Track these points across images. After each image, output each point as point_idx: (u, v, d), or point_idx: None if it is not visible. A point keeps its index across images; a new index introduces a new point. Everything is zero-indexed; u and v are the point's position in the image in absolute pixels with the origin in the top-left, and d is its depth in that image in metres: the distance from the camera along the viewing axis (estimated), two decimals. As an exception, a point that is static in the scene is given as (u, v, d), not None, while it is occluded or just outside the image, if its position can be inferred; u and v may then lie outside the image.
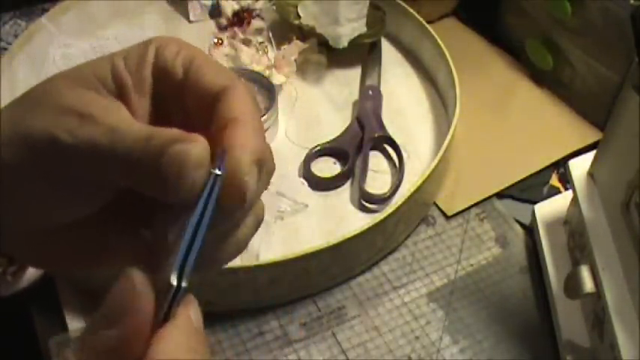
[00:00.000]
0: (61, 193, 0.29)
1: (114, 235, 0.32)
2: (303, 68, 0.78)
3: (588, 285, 0.52)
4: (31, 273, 0.58)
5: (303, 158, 0.70)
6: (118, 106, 0.29)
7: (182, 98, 0.30)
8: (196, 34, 0.82)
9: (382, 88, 0.76)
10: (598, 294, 0.52)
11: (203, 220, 0.27)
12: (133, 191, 0.29)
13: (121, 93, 0.30)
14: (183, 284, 0.26)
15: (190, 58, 0.30)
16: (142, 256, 0.31)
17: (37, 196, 0.29)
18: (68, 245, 0.31)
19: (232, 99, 0.30)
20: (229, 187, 0.28)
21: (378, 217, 0.60)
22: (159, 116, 0.30)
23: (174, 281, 0.26)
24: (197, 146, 0.27)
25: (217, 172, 0.28)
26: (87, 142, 0.27)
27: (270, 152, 0.31)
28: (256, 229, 0.32)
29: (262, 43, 0.78)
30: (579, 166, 0.60)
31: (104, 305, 0.25)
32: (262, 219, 0.33)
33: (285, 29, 0.80)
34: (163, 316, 0.25)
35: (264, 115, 0.69)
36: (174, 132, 0.28)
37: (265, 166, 0.30)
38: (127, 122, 0.28)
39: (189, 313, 0.27)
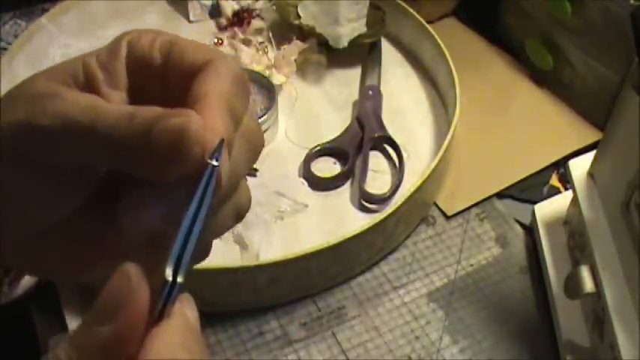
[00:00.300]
0: (46, 186, 0.28)
1: (106, 232, 0.31)
2: (303, 68, 0.78)
3: (588, 285, 0.52)
4: (27, 280, 0.58)
5: (303, 158, 0.70)
6: (91, 95, 0.29)
7: (165, 87, 0.30)
8: (196, 34, 0.82)
9: (382, 88, 0.76)
10: (598, 294, 0.52)
11: (200, 212, 0.26)
12: (119, 182, 0.28)
13: (92, 88, 0.29)
14: (179, 280, 0.25)
15: (169, 42, 0.30)
16: (138, 252, 0.30)
17: (24, 192, 0.28)
18: (61, 248, 0.31)
19: (207, 74, 0.29)
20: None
21: (378, 217, 0.60)
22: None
23: (169, 277, 0.25)
24: (197, 120, 0.26)
25: (214, 162, 0.27)
26: (64, 122, 0.27)
27: (257, 127, 0.30)
28: (235, 221, 0.31)
29: (262, 43, 0.78)
30: (579, 166, 0.60)
31: (98, 301, 0.24)
32: (245, 208, 0.31)
33: (285, 29, 0.80)
34: (158, 313, 0.24)
35: (264, 115, 0.69)
36: (157, 109, 0.27)
37: (249, 143, 0.29)
38: (103, 101, 0.28)
39: (185, 311, 0.25)
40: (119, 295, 0.24)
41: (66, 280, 0.59)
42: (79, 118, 0.27)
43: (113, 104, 0.28)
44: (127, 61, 0.30)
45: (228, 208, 0.30)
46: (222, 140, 0.27)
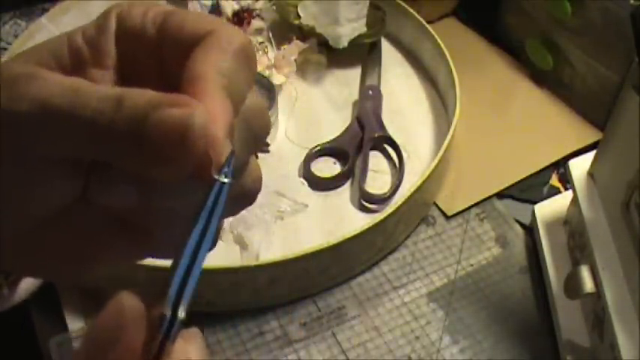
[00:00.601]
0: (34, 178, 0.25)
1: (105, 225, 0.28)
2: (303, 68, 0.78)
3: (588, 285, 0.52)
4: (27, 284, 0.57)
5: (303, 158, 0.70)
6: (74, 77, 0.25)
7: (160, 64, 0.27)
8: (196, 34, 0.82)
9: (382, 88, 0.76)
10: (598, 294, 0.52)
11: (206, 238, 0.23)
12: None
13: (78, 68, 0.26)
14: (181, 315, 0.22)
15: (163, 13, 0.27)
16: (136, 246, 0.28)
17: (11, 185, 0.25)
18: (58, 244, 0.28)
19: (204, 48, 0.25)
20: (203, 171, 0.24)
21: (378, 217, 0.60)
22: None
23: (167, 311, 0.22)
24: (201, 112, 0.23)
25: (224, 179, 0.23)
26: (43, 106, 0.23)
27: (261, 107, 0.27)
28: (243, 205, 0.28)
29: (262, 43, 0.78)
30: (579, 166, 0.60)
31: (89, 334, 0.22)
32: (253, 190, 0.28)
33: (285, 29, 0.80)
34: (158, 350, 0.21)
35: (264, 115, 0.69)
36: (151, 93, 0.23)
37: (252, 125, 0.26)
38: (86, 82, 0.24)
39: (189, 350, 0.23)
40: (111, 330, 0.21)
41: (66, 281, 0.57)
42: (57, 102, 0.23)
43: (99, 86, 0.24)
44: (117, 36, 0.27)
45: (232, 193, 0.27)
46: (233, 152, 0.24)
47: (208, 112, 0.23)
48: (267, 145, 0.69)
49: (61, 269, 0.29)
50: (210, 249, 0.24)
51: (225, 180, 0.23)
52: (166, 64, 0.27)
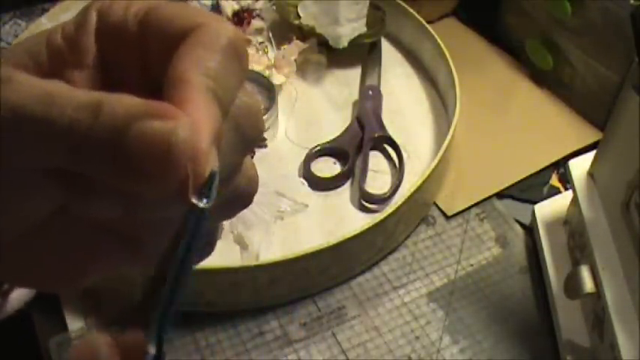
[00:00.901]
0: (13, 188, 0.23)
1: (93, 235, 0.26)
2: (303, 68, 0.78)
3: (588, 285, 0.52)
4: (20, 294, 0.57)
5: (303, 158, 0.70)
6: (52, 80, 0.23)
7: (145, 62, 0.25)
8: (196, 34, 0.82)
9: (382, 88, 0.76)
10: (598, 294, 0.52)
11: (185, 267, 0.21)
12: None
13: (57, 69, 0.25)
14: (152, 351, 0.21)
15: (146, 7, 0.25)
16: (128, 256, 0.27)
17: None
18: (48, 252, 0.26)
19: (189, 45, 0.23)
20: (186, 187, 0.22)
21: (378, 217, 0.60)
22: (113, 91, 0.23)
23: (151, 350, 0.21)
24: (185, 125, 0.21)
25: (201, 203, 0.21)
26: (15, 113, 0.21)
27: (251, 107, 0.25)
28: (238, 208, 0.27)
29: (262, 43, 0.78)
30: (579, 166, 0.60)
31: None
32: (248, 192, 0.27)
33: (285, 29, 0.80)
34: None
35: (264, 115, 0.69)
36: (131, 102, 0.21)
37: (242, 127, 0.24)
38: (63, 87, 0.22)
39: None
40: None
41: (58, 290, 0.55)
42: (31, 109, 0.21)
43: (78, 90, 0.22)
44: (98, 33, 0.25)
45: (223, 198, 0.25)
46: (214, 173, 0.22)
47: (192, 120, 0.21)
48: (264, 140, 0.69)
49: (52, 279, 0.28)
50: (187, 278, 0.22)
51: (202, 205, 0.21)
52: (150, 62, 0.25)
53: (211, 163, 0.22)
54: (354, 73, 0.79)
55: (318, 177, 0.68)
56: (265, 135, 0.70)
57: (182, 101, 0.22)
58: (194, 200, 0.21)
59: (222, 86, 0.23)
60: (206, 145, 0.22)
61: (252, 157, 0.68)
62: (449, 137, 0.66)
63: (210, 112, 0.22)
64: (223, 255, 0.61)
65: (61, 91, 0.22)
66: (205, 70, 0.23)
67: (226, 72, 0.23)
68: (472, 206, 0.68)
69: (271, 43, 0.78)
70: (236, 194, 0.26)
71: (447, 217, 0.68)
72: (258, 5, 0.82)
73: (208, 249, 0.28)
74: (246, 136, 0.25)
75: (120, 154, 0.21)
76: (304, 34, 0.78)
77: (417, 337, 0.59)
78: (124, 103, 0.21)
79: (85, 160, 0.22)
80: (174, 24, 0.24)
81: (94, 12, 0.25)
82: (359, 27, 0.77)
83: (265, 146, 0.69)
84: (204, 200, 0.21)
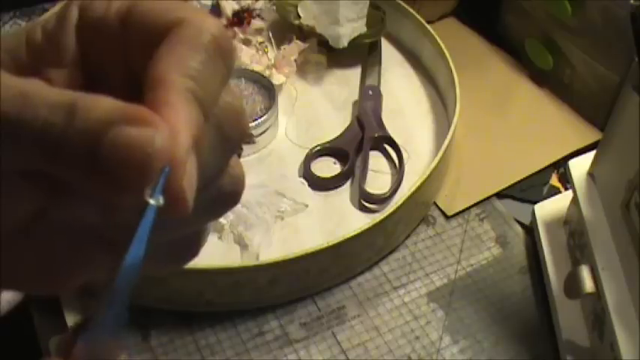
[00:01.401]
0: None
1: (76, 237, 0.25)
2: (303, 68, 0.78)
3: (588, 285, 0.52)
4: (8, 296, 0.57)
5: (303, 158, 0.70)
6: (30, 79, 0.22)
7: (127, 59, 0.24)
8: (196, 34, 0.82)
9: (382, 88, 0.76)
10: (598, 294, 0.52)
11: (135, 264, 0.21)
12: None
13: (36, 67, 0.24)
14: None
15: (128, 3, 0.24)
16: (114, 257, 0.25)
17: None
18: (30, 256, 0.25)
19: (170, 43, 0.22)
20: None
21: (378, 217, 0.60)
22: (95, 89, 0.22)
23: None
24: (162, 132, 0.20)
25: (153, 201, 0.20)
26: None
27: (234, 107, 0.24)
28: (222, 209, 0.26)
29: (262, 43, 0.78)
30: (579, 166, 0.60)
31: None
32: (233, 192, 0.25)
33: (285, 29, 0.79)
34: None
35: (264, 115, 0.69)
36: (105, 104, 0.21)
37: (224, 129, 0.23)
38: (39, 85, 0.21)
39: None
40: None
41: (44, 293, 0.55)
42: (5, 109, 0.20)
43: (53, 89, 0.21)
44: (79, 29, 0.24)
45: (206, 199, 0.24)
46: (168, 170, 0.21)
47: (170, 126, 0.20)
48: (251, 136, 0.68)
49: (35, 282, 0.26)
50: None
51: (154, 202, 0.20)
52: (132, 59, 0.24)
53: (189, 169, 0.21)
54: (354, 73, 0.79)
55: (318, 177, 0.68)
56: (265, 135, 0.70)
57: (161, 104, 0.21)
58: (148, 198, 0.20)
59: (204, 87, 0.22)
60: (183, 152, 0.21)
61: (240, 156, 0.67)
62: (449, 137, 0.66)
63: (189, 116, 0.21)
64: (223, 255, 0.61)
65: (35, 91, 0.21)
66: (186, 70, 0.22)
67: (209, 72, 0.22)
68: (472, 206, 0.68)
69: (271, 43, 0.78)
70: (221, 194, 0.25)
71: (447, 217, 0.68)
72: (258, 5, 0.82)
73: (194, 249, 0.27)
74: (229, 138, 0.24)
75: (95, 160, 0.20)
76: (304, 34, 0.78)
77: (417, 337, 0.59)
78: (99, 105, 0.21)
79: (59, 165, 0.21)
80: (156, 20, 0.23)
81: (74, 8, 0.24)
82: (359, 27, 0.77)
83: (253, 142, 0.69)
84: (159, 198, 0.20)
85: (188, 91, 0.21)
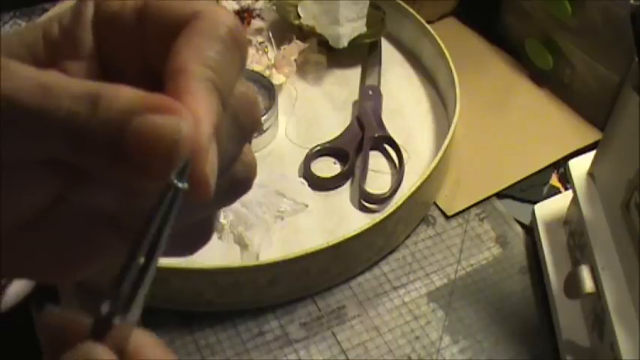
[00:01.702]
0: (7, 180, 0.22)
1: (92, 224, 0.25)
2: (303, 68, 0.78)
3: (588, 285, 0.52)
4: (18, 287, 0.57)
5: (303, 158, 0.70)
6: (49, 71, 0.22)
7: (143, 53, 0.24)
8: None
9: (382, 88, 0.76)
10: (598, 294, 0.52)
11: (158, 249, 0.21)
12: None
13: (53, 61, 0.24)
14: (134, 317, 0.21)
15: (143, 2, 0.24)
16: (126, 243, 0.26)
17: None
18: (44, 244, 0.26)
19: (187, 35, 0.23)
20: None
21: (378, 217, 0.60)
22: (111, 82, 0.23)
23: (105, 308, 0.21)
24: (188, 119, 0.21)
25: (180, 184, 0.21)
26: (9, 103, 0.21)
27: (249, 98, 0.25)
28: (235, 195, 0.26)
29: (262, 43, 0.78)
30: (579, 166, 0.60)
31: None
32: (246, 179, 0.26)
33: (285, 29, 0.80)
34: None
35: (264, 115, 0.69)
36: (129, 94, 0.21)
37: (240, 118, 0.24)
38: (60, 77, 0.21)
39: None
40: None
41: (57, 282, 0.56)
42: (26, 100, 0.21)
43: (75, 80, 0.22)
44: (95, 24, 0.24)
45: (219, 184, 0.24)
46: (188, 161, 0.21)
47: (192, 113, 0.21)
48: (261, 126, 0.68)
49: (48, 271, 0.27)
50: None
51: (182, 185, 0.21)
52: (149, 52, 0.24)
53: (211, 156, 0.22)
54: (354, 73, 0.79)
55: (318, 177, 0.68)
56: (265, 135, 0.70)
57: (182, 93, 0.21)
58: (174, 180, 0.21)
59: (222, 76, 0.23)
60: (206, 139, 0.21)
61: (250, 143, 0.67)
62: (449, 137, 0.66)
63: (210, 105, 0.22)
64: (223, 255, 0.61)
65: (57, 82, 0.21)
66: (205, 60, 0.22)
67: (226, 62, 0.23)
68: (472, 206, 0.68)
69: (271, 43, 0.78)
70: (234, 180, 0.26)
71: (447, 217, 0.68)
72: (258, 5, 0.82)
73: (207, 234, 0.28)
74: (243, 127, 0.25)
75: (119, 148, 0.21)
76: (304, 34, 0.78)
77: (417, 337, 0.59)
78: (122, 95, 0.21)
79: (83, 154, 0.21)
80: (172, 13, 0.23)
81: (90, 3, 0.24)
82: (359, 27, 0.77)
83: (263, 132, 0.69)
84: (184, 183, 0.21)
85: (208, 81, 0.22)
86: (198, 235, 0.28)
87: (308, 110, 0.75)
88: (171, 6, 0.24)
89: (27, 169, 0.22)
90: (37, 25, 0.24)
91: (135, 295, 0.20)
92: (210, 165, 0.21)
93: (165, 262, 0.25)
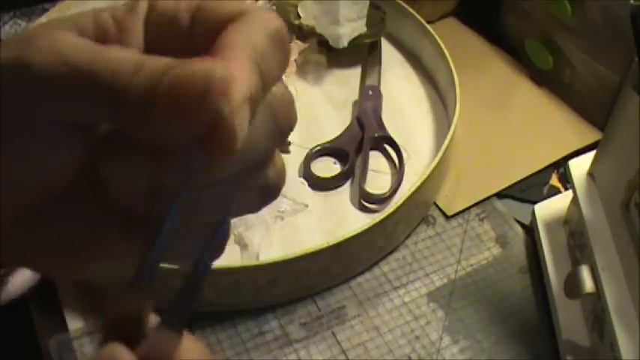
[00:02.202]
0: (40, 144, 0.24)
1: (102, 220, 0.26)
2: (303, 68, 0.78)
3: (588, 285, 0.52)
4: (24, 278, 0.57)
5: (303, 158, 0.70)
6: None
7: (191, 51, 0.25)
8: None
9: (382, 88, 0.76)
10: (598, 294, 0.52)
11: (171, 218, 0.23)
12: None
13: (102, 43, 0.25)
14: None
15: (198, 2, 0.25)
16: (136, 247, 0.27)
17: (15, 152, 0.24)
18: (52, 234, 0.26)
19: (235, 25, 0.24)
20: (214, 134, 0.22)
21: (378, 217, 0.60)
22: None
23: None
24: (222, 66, 0.22)
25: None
26: (59, 62, 0.22)
27: (289, 99, 0.26)
28: (263, 201, 0.27)
29: (262, 43, 0.78)
30: (579, 166, 0.60)
31: None
32: (276, 185, 0.27)
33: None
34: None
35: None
36: (171, 59, 0.22)
37: (277, 115, 0.25)
38: (108, 47, 0.23)
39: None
40: None
41: (60, 276, 0.56)
42: (76, 60, 0.22)
43: (122, 49, 0.23)
44: (147, 21, 0.25)
45: (251, 187, 0.26)
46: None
47: (230, 67, 0.22)
48: (289, 144, 0.69)
49: (53, 262, 0.28)
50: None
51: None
52: (195, 47, 0.25)
53: (242, 119, 0.22)
54: (354, 73, 0.79)
55: (318, 177, 0.68)
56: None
57: (225, 58, 0.22)
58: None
59: (265, 63, 0.23)
60: (240, 94, 0.22)
61: (286, 152, 0.68)
62: (449, 137, 0.66)
63: (249, 72, 0.22)
64: (223, 255, 0.61)
65: (104, 48, 0.23)
66: (252, 44, 0.23)
67: (271, 55, 0.24)
68: (472, 206, 0.68)
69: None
70: (265, 186, 0.27)
71: (447, 217, 0.68)
72: (258, 5, 0.82)
73: (220, 248, 0.28)
74: (280, 125, 0.25)
75: (155, 94, 0.21)
76: (304, 34, 0.78)
77: (417, 337, 0.59)
78: (164, 59, 0.22)
79: (123, 114, 0.22)
80: (224, 11, 0.24)
81: (144, 2, 0.25)
82: (359, 27, 0.77)
83: (288, 152, 0.69)
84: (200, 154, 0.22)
85: (252, 59, 0.23)
86: (212, 242, 0.27)
87: (308, 110, 0.75)
88: (224, 5, 0.25)
89: (59, 134, 0.23)
90: (88, 12, 0.25)
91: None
92: (240, 126, 0.22)
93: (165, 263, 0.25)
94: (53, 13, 0.80)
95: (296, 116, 0.26)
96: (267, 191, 0.27)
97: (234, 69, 0.22)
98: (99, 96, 0.22)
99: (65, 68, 0.22)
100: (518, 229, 0.67)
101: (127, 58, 0.22)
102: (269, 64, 0.24)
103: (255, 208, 0.28)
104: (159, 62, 0.22)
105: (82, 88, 0.22)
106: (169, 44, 0.25)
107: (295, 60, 0.75)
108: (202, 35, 0.25)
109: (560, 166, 0.71)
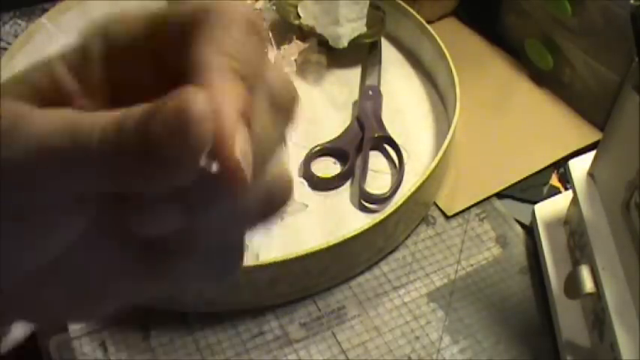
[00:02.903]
0: (35, 227, 0.22)
1: (115, 254, 0.25)
2: (303, 68, 0.78)
3: (588, 285, 0.52)
4: (17, 333, 0.56)
5: (303, 158, 0.70)
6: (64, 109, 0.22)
7: (159, 70, 0.24)
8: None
9: (382, 88, 0.76)
10: (598, 294, 0.52)
11: None
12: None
13: (64, 99, 0.24)
14: None
15: (151, 16, 0.24)
16: (151, 278, 0.25)
17: (9, 239, 0.23)
18: (63, 280, 0.25)
19: (204, 33, 0.23)
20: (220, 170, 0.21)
21: (378, 217, 0.60)
22: (127, 91, 0.24)
23: None
24: (198, 95, 0.20)
25: (212, 167, 0.21)
26: (39, 149, 0.21)
27: (282, 78, 0.24)
28: (270, 211, 0.26)
29: (262, 43, 0.78)
30: (579, 166, 0.60)
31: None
32: (284, 192, 0.26)
33: (285, 29, 0.80)
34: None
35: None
36: (149, 104, 0.21)
37: (277, 100, 0.24)
38: (83, 114, 0.22)
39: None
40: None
41: (71, 323, 0.53)
42: (56, 141, 0.21)
43: (96, 114, 0.22)
44: (107, 56, 0.24)
45: (255, 195, 0.24)
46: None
47: (210, 95, 0.21)
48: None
49: (62, 313, 0.27)
50: None
51: (213, 167, 0.21)
52: (163, 53, 0.24)
53: (241, 141, 0.21)
54: (354, 73, 0.79)
55: (318, 177, 0.68)
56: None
57: (204, 84, 0.21)
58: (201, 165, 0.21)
59: (244, 62, 0.23)
60: (230, 120, 0.21)
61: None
62: (449, 137, 0.66)
63: (233, 91, 0.22)
64: (223, 255, 0.61)
65: (80, 118, 0.21)
66: (225, 51, 0.22)
67: (246, 48, 0.23)
68: (472, 206, 0.68)
69: (271, 43, 0.78)
70: (270, 194, 0.25)
71: (447, 217, 0.68)
72: (258, 5, 0.82)
73: (235, 263, 0.27)
74: (282, 105, 0.25)
75: (147, 152, 0.20)
76: (304, 34, 0.78)
77: (417, 337, 0.59)
78: (143, 106, 0.21)
79: (118, 176, 0.21)
80: (182, 17, 0.23)
81: (98, 39, 0.24)
82: (359, 27, 0.77)
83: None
84: (212, 164, 0.21)
85: (229, 69, 0.22)
86: (227, 261, 0.27)
87: (308, 110, 0.75)
88: (179, 11, 0.23)
89: (61, 207, 0.22)
90: (43, 65, 0.24)
91: None
92: (242, 149, 0.21)
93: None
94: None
95: (295, 89, 0.25)
96: (272, 199, 0.26)
97: (214, 97, 0.21)
98: (88, 169, 0.21)
99: (47, 156, 0.21)
100: (518, 229, 0.67)
101: (107, 120, 0.21)
102: (248, 60, 0.23)
103: (258, 219, 0.26)
104: (139, 110, 0.21)
105: (70, 167, 0.21)
106: (131, 63, 0.24)
107: (295, 60, 0.75)
108: (164, 40, 0.24)
109: (560, 166, 0.71)
